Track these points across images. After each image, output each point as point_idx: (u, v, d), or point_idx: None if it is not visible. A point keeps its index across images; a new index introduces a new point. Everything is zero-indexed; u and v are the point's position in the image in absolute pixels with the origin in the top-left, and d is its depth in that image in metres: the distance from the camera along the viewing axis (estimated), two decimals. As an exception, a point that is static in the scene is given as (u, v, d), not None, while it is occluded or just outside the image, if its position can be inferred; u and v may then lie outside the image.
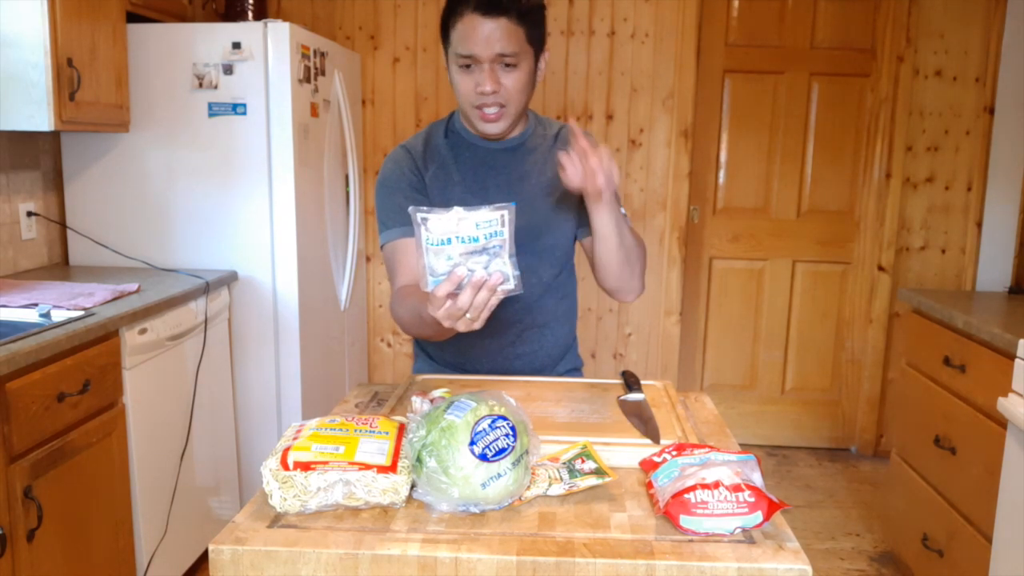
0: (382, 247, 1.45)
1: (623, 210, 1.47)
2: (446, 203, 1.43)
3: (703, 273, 3.59)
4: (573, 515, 0.91)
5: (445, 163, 1.46)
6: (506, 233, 1.02)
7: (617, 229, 1.32)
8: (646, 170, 3.42)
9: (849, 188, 3.48)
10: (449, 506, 0.90)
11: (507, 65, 1.34)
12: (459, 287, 1.02)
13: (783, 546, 0.85)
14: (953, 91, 3.32)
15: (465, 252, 1.01)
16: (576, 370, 1.63)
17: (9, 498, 1.57)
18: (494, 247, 1.01)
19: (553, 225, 1.48)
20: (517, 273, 1.03)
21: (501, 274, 1.02)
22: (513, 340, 1.51)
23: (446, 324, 1.06)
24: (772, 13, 3.38)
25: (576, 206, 1.47)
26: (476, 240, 1.01)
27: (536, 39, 1.38)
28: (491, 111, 1.37)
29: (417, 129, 3.41)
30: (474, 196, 1.44)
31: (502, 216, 1.01)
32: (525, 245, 1.45)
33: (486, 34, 1.31)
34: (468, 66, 1.34)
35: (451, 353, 1.54)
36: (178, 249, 2.60)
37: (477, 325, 1.06)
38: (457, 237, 1.00)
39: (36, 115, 2.08)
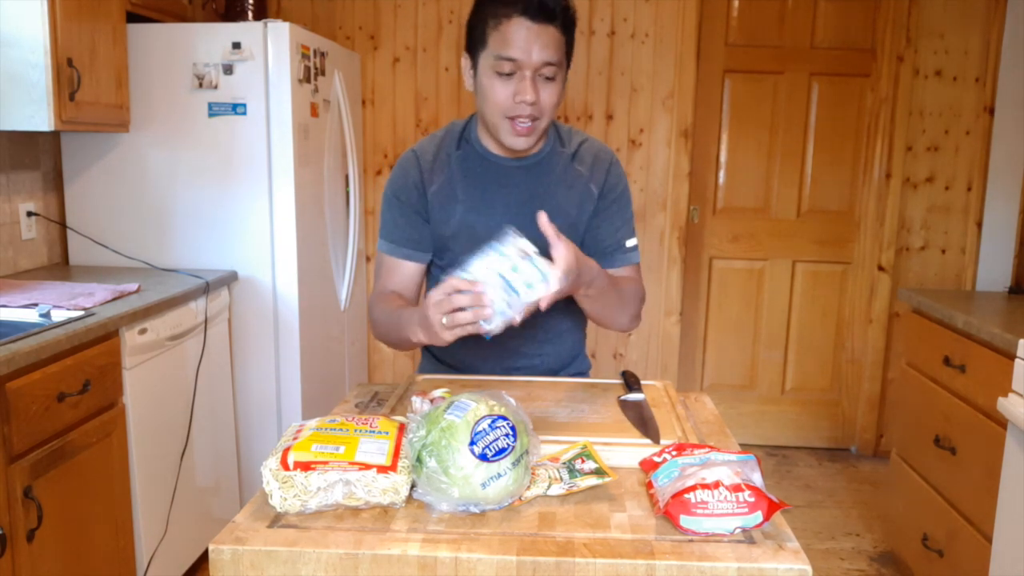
0: (378, 249, 1.50)
1: (634, 241, 1.48)
2: (446, 219, 1.43)
3: (703, 273, 3.59)
4: (573, 515, 0.91)
5: (451, 178, 1.43)
6: (531, 297, 1.06)
7: (601, 301, 1.30)
8: (646, 170, 3.42)
9: (849, 188, 3.48)
10: (449, 506, 0.90)
11: (547, 78, 1.29)
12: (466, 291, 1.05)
13: (783, 546, 0.85)
14: (953, 91, 3.32)
15: (497, 283, 1.05)
16: (581, 374, 1.62)
17: (9, 498, 1.57)
18: (515, 302, 1.06)
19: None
20: (500, 323, 1.07)
21: (498, 316, 1.06)
22: (512, 353, 1.50)
23: (429, 312, 1.08)
24: (772, 13, 3.38)
25: (582, 235, 1.47)
26: (512, 288, 1.06)
27: (570, 53, 1.35)
28: (524, 124, 1.31)
29: (417, 129, 3.41)
30: (478, 215, 1.41)
31: (543, 287, 1.07)
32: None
33: (534, 40, 1.26)
34: (509, 73, 1.28)
35: (451, 356, 1.54)
36: (178, 249, 2.60)
37: (446, 335, 1.08)
38: (501, 275, 1.06)
39: (36, 115, 2.08)
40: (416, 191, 1.43)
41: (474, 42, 1.33)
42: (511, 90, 1.29)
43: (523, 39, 1.26)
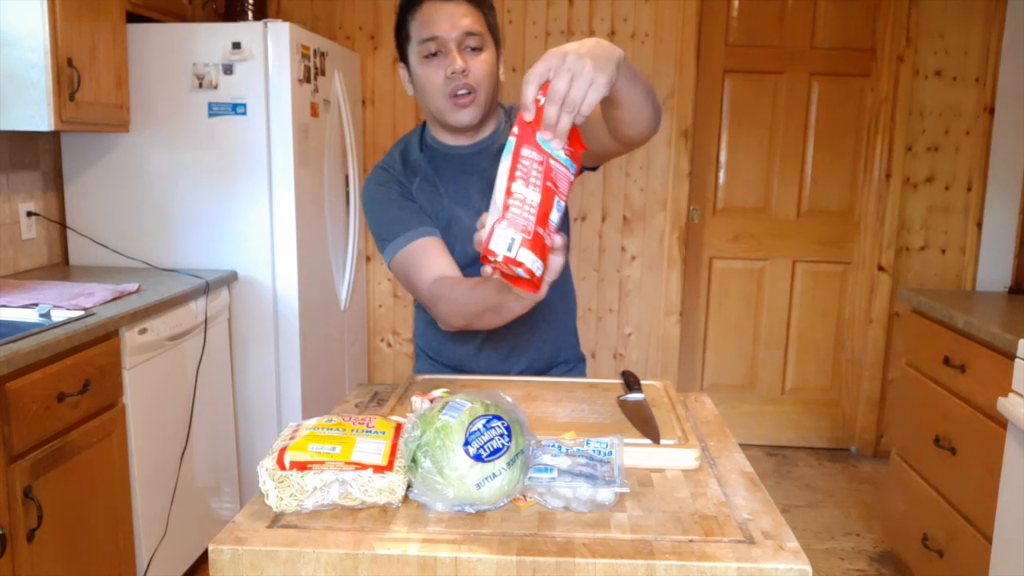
0: (389, 263, 1.39)
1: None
2: (435, 215, 1.42)
3: (703, 273, 3.59)
4: (573, 515, 0.91)
5: (428, 176, 1.44)
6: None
7: (639, 82, 1.10)
8: (646, 170, 3.42)
9: (849, 188, 3.48)
10: (444, 506, 0.90)
11: (473, 49, 1.33)
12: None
13: (783, 546, 0.85)
14: (953, 91, 3.32)
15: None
16: (580, 362, 1.62)
17: (9, 498, 1.57)
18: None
19: None
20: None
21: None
22: (510, 349, 1.50)
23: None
24: (772, 13, 3.38)
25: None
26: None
27: (494, 29, 1.38)
28: (463, 96, 1.34)
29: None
30: (460, 206, 1.42)
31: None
32: None
33: (448, 15, 1.31)
34: (434, 54, 1.33)
35: (449, 356, 1.54)
36: (178, 249, 2.60)
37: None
38: None
39: (36, 115, 2.08)
40: (401, 187, 1.44)
41: (401, 44, 1.39)
42: (441, 68, 1.33)
43: (438, 16, 1.32)
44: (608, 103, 1.11)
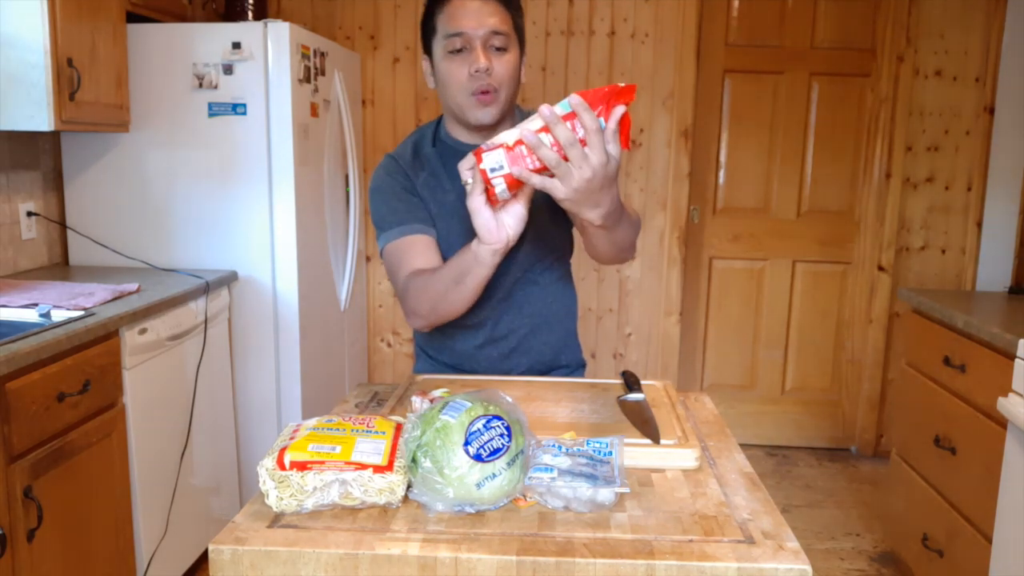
0: (382, 251, 1.43)
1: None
2: (439, 209, 1.43)
3: (703, 273, 3.59)
4: (573, 515, 0.91)
5: (435, 171, 1.45)
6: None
7: (624, 222, 1.22)
8: (646, 170, 3.42)
9: (849, 188, 3.48)
10: (444, 506, 0.90)
11: (497, 49, 1.33)
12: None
13: (783, 546, 0.85)
14: (953, 91, 3.32)
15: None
16: (581, 367, 1.62)
17: (9, 498, 1.57)
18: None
19: (548, 225, 1.46)
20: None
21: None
22: (509, 349, 1.50)
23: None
24: (772, 13, 3.38)
25: None
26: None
27: (520, 31, 1.38)
28: (484, 95, 1.34)
29: (417, 129, 3.41)
30: (465, 203, 1.42)
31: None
32: (516, 250, 1.44)
33: (476, 11, 1.32)
34: (459, 50, 1.33)
35: (449, 356, 1.54)
36: (178, 249, 2.60)
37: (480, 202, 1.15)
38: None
39: (36, 115, 2.08)
40: (406, 179, 1.44)
41: (428, 37, 1.39)
42: (466, 64, 1.33)
43: (466, 13, 1.32)
44: (582, 228, 1.24)
